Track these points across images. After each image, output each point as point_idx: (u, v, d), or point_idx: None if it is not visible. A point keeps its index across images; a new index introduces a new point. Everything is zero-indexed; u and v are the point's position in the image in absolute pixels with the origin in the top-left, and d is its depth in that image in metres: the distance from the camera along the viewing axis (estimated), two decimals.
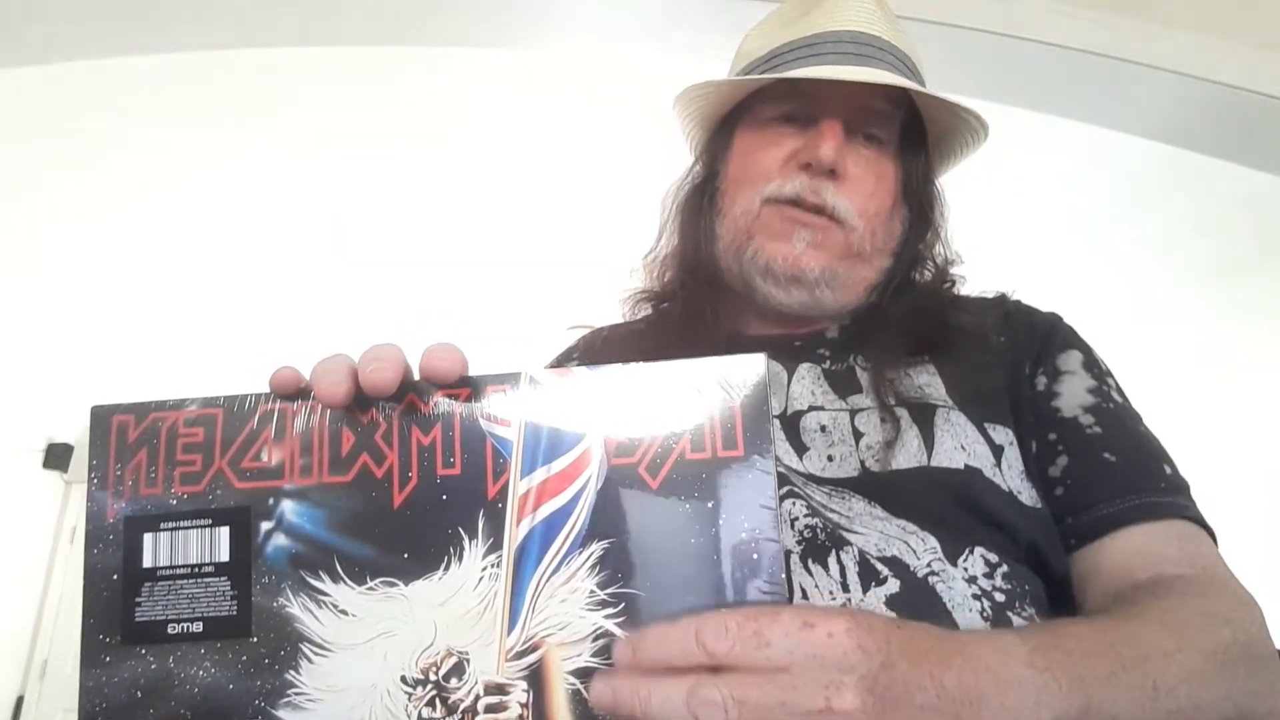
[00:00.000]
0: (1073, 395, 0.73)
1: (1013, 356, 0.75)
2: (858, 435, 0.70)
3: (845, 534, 0.63)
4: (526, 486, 0.46)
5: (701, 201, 0.84)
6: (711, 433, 0.46)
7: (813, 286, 0.76)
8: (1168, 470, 0.70)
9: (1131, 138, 2.20)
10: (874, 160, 0.79)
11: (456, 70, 2.33)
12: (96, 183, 2.66)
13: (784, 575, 0.45)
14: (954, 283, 0.84)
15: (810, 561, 0.62)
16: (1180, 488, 0.69)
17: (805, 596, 0.60)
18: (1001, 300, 0.83)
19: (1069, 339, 0.78)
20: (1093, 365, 0.76)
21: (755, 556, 0.45)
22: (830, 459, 0.69)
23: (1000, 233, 2.80)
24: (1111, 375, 0.76)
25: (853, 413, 0.72)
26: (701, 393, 0.47)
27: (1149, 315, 3.26)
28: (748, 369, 0.47)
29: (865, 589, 0.60)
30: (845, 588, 0.61)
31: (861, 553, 0.62)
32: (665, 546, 0.46)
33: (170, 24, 1.86)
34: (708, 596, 0.45)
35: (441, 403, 0.47)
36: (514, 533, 0.46)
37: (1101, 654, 0.50)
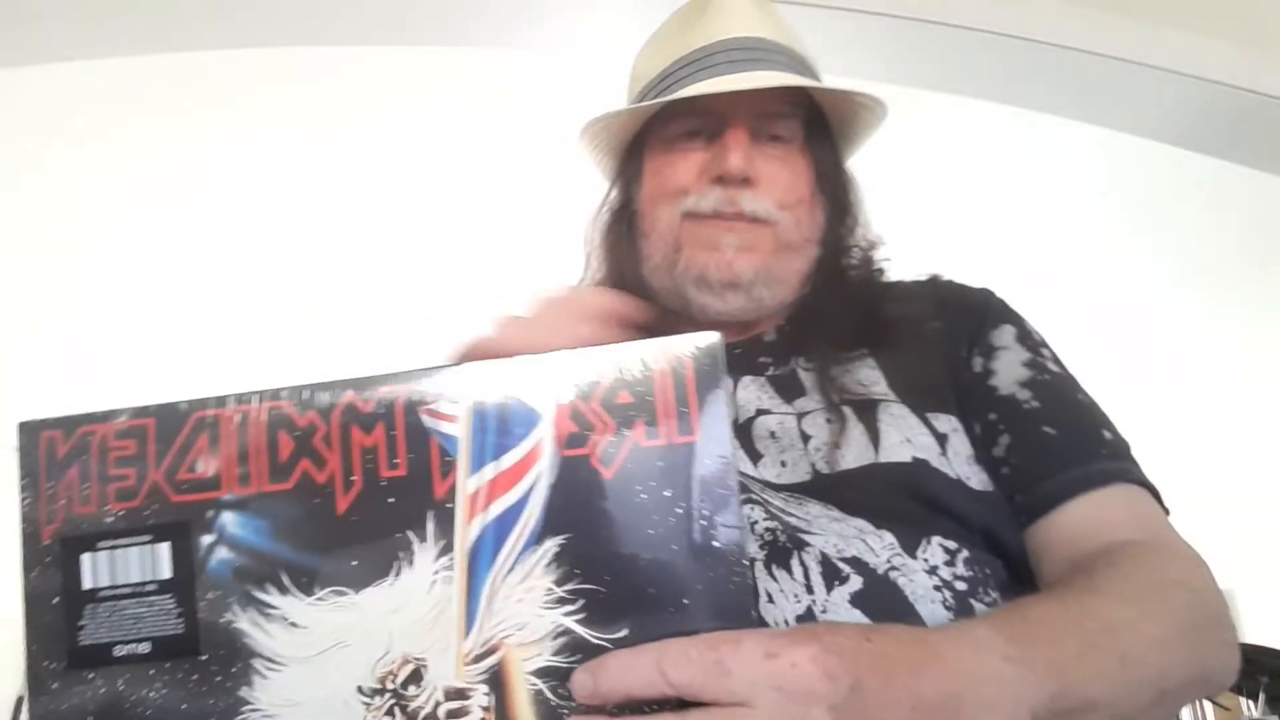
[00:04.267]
0: (1008, 371, 0.73)
1: (949, 342, 0.76)
2: (805, 438, 0.70)
3: (805, 536, 0.63)
4: (476, 484, 0.44)
5: (621, 227, 0.85)
6: (666, 418, 0.45)
7: (749, 289, 0.77)
8: (1107, 435, 0.71)
9: (1131, 137, 2.20)
10: (784, 158, 0.80)
11: (457, 70, 2.31)
12: (96, 181, 2.65)
13: (746, 561, 0.44)
14: (882, 269, 0.85)
15: (774, 566, 0.61)
16: (1121, 451, 0.70)
17: (771, 601, 0.60)
18: (933, 283, 0.84)
19: (1001, 314, 0.78)
20: (1026, 337, 0.77)
21: (716, 544, 0.44)
22: (784, 464, 0.69)
23: (999, 232, 2.80)
24: (1046, 345, 0.77)
25: (799, 416, 0.72)
26: (654, 376, 0.45)
27: (1148, 315, 3.26)
28: (701, 349, 0.45)
29: (829, 588, 0.60)
30: (810, 589, 0.60)
31: (822, 553, 0.62)
32: (623, 539, 0.44)
33: (170, 24, 1.84)
34: (669, 588, 0.44)
35: (382, 400, 0.45)
36: (465, 533, 0.44)
37: (1070, 633, 0.50)
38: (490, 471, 0.44)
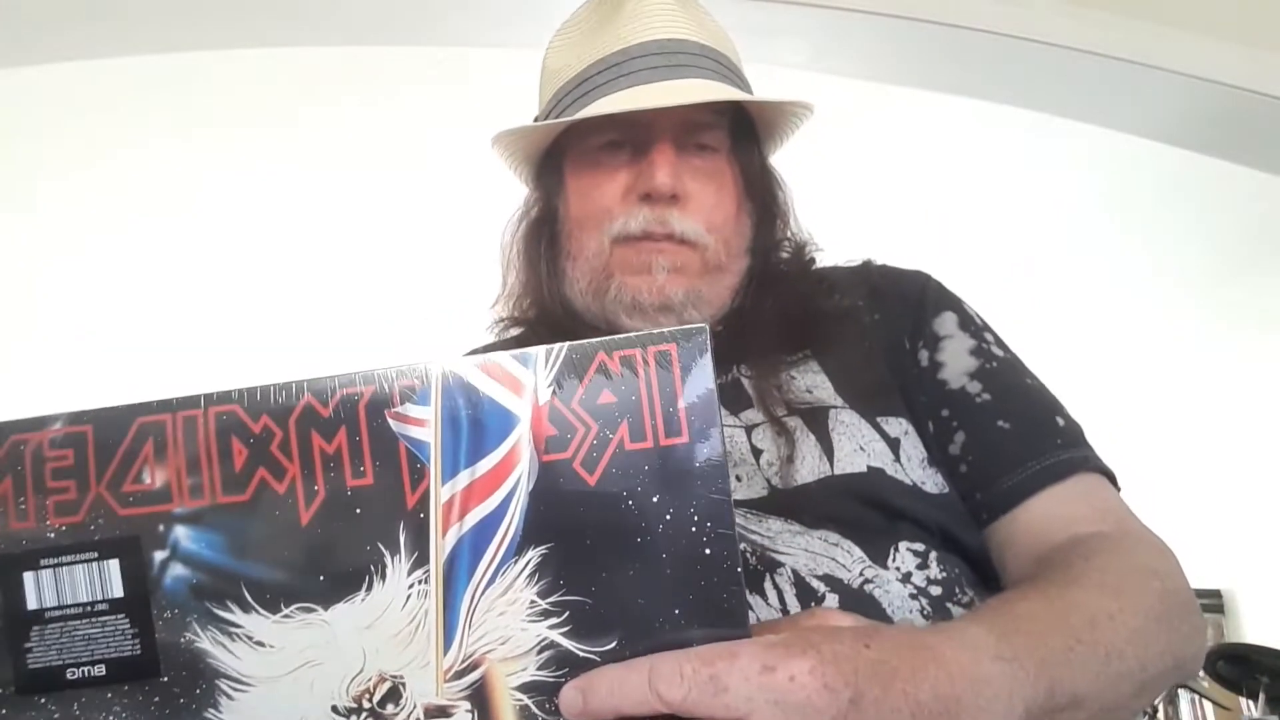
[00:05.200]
0: (956, 362, 0.73)
1: (889, 335, 0.76)
2: (757, 453, 0.69)
3: (774, 555, 0.62)
4: (449, 493, 0.41)
5: (542, 243, 0.82)
6: (652, 418, 0.41)
7: (680, 311, 0.75)
8: (1060, 423, 0.71)
9: (1131, 138, 2.19)
10: (711, 171, 0.78)
11: (457, 70, 2.29)
12: (97, 182, 2.65)
13: (740, 570, 0.41)
14: (814, 259, 0.83)
15: (749, 592, 0.60)
16: (1076, 438, 0.70)
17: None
18: (866, 269, 0.83)
19: (940, 300, 0.78)
20: (968, 323, 0.76)
21: (708, 552, 0.41)
22: (738, 479, 0.68)
23: (999, 232, 2.79)
24: (989, 328, 0.77)
25: (748, 429, 0.71)
26: (638, 373, 0.42)
27: (1148, 315, 3.26)
28: (687, 344, 0.42)
29: (806, 608, 0.59)
30: (786, 612, 0.60)
31: (795, 573, 0.61)
32: (608, 548, 0.41)
33: (169, 25, 1.82)
34: (659, 599, 0.41)
35: (343, 404, 0.42)
36: (440, 544, 0.41)
37: (1057, 629, 0.50)
38: (465, 478, 0.41)
